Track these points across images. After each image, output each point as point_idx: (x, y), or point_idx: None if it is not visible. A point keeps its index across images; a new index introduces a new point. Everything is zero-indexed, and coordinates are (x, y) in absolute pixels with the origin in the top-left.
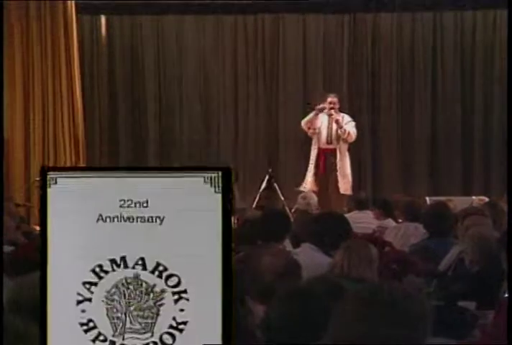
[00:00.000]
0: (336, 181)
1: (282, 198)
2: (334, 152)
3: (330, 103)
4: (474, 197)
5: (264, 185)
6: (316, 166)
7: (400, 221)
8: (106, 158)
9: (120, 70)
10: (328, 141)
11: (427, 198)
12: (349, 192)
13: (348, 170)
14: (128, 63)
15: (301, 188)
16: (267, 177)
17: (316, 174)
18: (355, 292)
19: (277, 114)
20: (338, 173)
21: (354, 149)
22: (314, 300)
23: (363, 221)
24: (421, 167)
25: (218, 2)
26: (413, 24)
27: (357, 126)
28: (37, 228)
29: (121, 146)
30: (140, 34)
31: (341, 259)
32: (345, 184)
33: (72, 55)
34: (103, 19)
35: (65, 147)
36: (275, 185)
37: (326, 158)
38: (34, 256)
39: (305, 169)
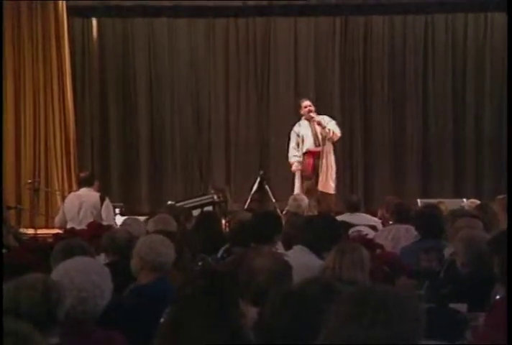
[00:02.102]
0: (324, 181)
1: (274, 200)
2: (320, 153)
3: (305, 106)
4: (465, 199)
5: (255, 187)
6: (305, 168)
7: (391, 222)
8: (97, 159)
9: (112, 72)
10: (317, 144)
11: (418, 200)
12: (332, 191)
13: (334, 170)
14: (120, 65)
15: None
16: (258, 179)
17: (305, 176)
18: (347, 295)
19: (269, 116)
20: (326, 174)
21: (345, 151)
22: (307, 302)
23: (355, 223)
24: (413, 169)
25: (210, 5)
26: (404, 26)
27: (349, 128)
28: (28, 231)
29: (112, 147)
30: (132, 37)
31: (333, 261)
32: (332, 183)
33: (63, 57)
34: (94, 21)
35: (55, 149)
36: (267, 187)
37: (314, 160)
38: (25, 259)
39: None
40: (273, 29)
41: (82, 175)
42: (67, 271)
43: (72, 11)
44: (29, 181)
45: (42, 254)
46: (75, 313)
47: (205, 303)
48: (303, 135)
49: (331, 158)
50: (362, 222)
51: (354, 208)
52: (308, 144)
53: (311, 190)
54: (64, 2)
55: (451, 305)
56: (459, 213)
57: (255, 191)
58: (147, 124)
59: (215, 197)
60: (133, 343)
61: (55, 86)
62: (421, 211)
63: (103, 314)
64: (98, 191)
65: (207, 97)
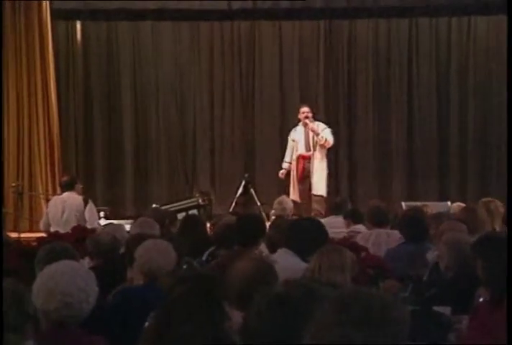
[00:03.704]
0: (314, 185)
1: (259, 203)
2: (311, 158)
3: (303, 112)
4: (449, 202)
5: (240, 190)
6: (296, 172)
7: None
8: (81, 162)
9: (96, 75)
10: (308, 149)
11: (403, 203)
12: (324, 195)
13: (325, 175)
14: (104, 69)
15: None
16: (243, 182)
17: (296, 180)
18: (332, 298)
19: (254, 119)
20: (313, 179)
21: (330, 154)
22: (292, 304)
23: (339, 225)
24: (398, 172)
25: (195, 8)
26: (388, 30)
27: (334, 132)
28: (13, 235)
29: (97, 151)
30: (116, 40)
31: (318, 264)
32: (322, 188)
33: (47, 61)
34: (78, 24)
35: (39, 152)
36: (252, 190)
37: (305, 164)
38: (11, 263)
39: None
40: (258, 33)
41: (63, 179)
42: (52, 275)
43: (56, 14)
44: (13, 184)
45: (26, 257)
46: (59, 316)
47: (190, 307)
48: (297, 141)
49: (323, 163)
50: None
51: (338, 210)
52: (300, 148)
53: (302, 193)
54: (47, 3)
55: (435, 308)
56: (444, 217)
57: (240, 194)
58: (132, 128)
59: (200, 200)
60: None
61: (38, 89)
62: (406, 214)
63: (88, 317)
64: (81, 194)
65: (192, 100)
